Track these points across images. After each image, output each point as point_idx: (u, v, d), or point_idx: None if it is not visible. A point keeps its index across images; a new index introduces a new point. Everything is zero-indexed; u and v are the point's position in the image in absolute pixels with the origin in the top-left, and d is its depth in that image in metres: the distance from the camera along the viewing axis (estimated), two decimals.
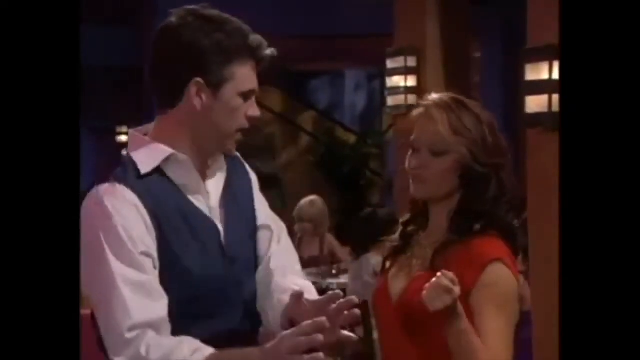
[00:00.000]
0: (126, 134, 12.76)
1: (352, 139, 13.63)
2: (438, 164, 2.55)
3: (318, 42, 10.24)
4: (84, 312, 2.30)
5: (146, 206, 2.32)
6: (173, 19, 2.38)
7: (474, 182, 2.55)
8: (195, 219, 2.38)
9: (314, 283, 8.64)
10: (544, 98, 5.23)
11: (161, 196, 2.35)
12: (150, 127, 2.46)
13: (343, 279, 7.51)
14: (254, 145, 8.85)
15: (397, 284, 2.63)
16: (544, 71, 5.22)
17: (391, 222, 6.80)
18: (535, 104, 5.30)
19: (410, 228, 2.70)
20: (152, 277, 2.30)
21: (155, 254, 2.31)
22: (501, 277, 2.52)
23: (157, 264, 2.32)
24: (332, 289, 7.40)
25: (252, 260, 2.53)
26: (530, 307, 5.17)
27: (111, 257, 2.28)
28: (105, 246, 2.28)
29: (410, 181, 2.61)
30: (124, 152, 2.45)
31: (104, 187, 2.34)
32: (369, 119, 14.65)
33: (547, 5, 4.72)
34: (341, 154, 13.19)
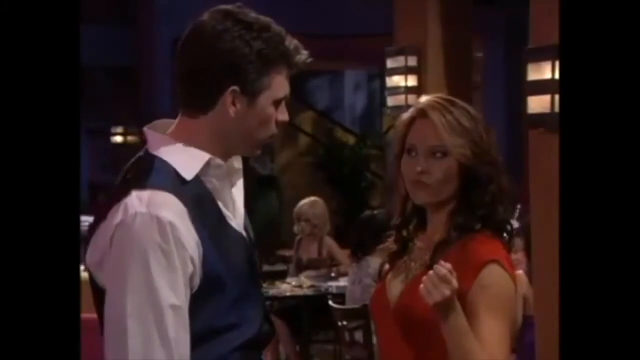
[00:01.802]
0: (121, 134, 12.72)
1: (351, 140, 13.61)
2: (440, 167, 2.54)
3: (317, 41, 10.17)
4: (84, 316, 2.25)
5: (190, 214, 2.23)
6: (209, 20, 2.30)
7: (475, 182, 2.55)
8: (228, 226, 2.34)
9: (312, 286, 8.57)
10: (547, 98, 5.22)
11: (199, 201, 2.27)
12: (161, 124, 2.38)
13: (342, 282, 7.47)
14: None
15: (395, 288, 2.62)
16: (547, 71, 5.19)
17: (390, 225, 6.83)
18: (537, 104, 5.29)
19: (405, 232, 2.68)
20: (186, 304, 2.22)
21: (199, 267, 2.23)
22: (498, 278, 2.50)
23: (201, 275, 2.23)
24: (331, 292, 7.44)
25: None
26: (532, 310, 5.13)
27: (159, 281, 2.17)
28: (153, 267, 2.17)
29: (409, 187, 2.59)
30: (143, 154, 2.34)
31: (147, 196, 2.21)
32: (369, 119, 14.62)
33: (550, 5, 4.65)
34: (341, 155, 13.16)
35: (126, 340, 2.15)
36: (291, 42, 2.32)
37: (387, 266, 2.71)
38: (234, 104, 2.29)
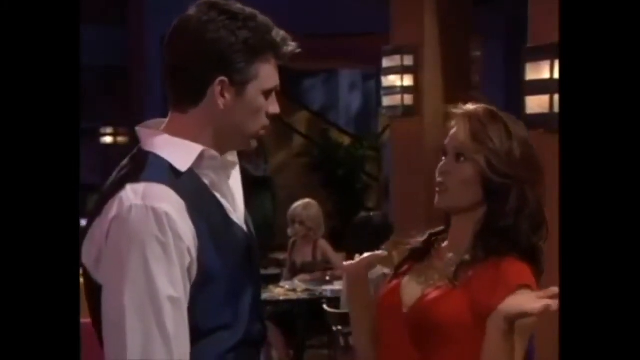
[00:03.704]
0: (111, 134, 12.68)
1: (347, 140, 13.57)
2: (459, 171, 2.58)
3: (312, 40, 10.10)
4: (84, 320, 2.24)
5: (187, 207, 2.23)
6: (194, 13, 2.31)
7: (494, 193, 2.57)
8: (229, 219, 2.34)
9: (306, 290, 8.48)
10: (545, 98, 5.18)
11: (196, 195, 2.27)
12: (154, 123, 2.39)
13: (337, 286, 7.41)
14: None
15: (411, 291, 2.63)
16: (545, 71, 5.16)
17: (387, 227, 6.76)
18: (535, 104, 5.28)
19: (434, 238, 2.71)
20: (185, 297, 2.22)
21: (195, 259, 2.22)
22: None
23: (197, 268, 2.23)
24: (326, 296, 7.34)
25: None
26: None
27: (156, 273, 2.17)
28: (150, 259, 2.17)
29: (436, 192, 2.63)
30: (136, 151, 2.34)
31: (142, 188, 2.21)
32: (364, 120, 14.54)
33: (550, 5, 4.60)
34: (336, 156, 13.11)
35: (125, 333, 2.15)
36: (278, 33, 2.32)
37: (405, 267, 2.70)
38: (222, 95, 2.28)
